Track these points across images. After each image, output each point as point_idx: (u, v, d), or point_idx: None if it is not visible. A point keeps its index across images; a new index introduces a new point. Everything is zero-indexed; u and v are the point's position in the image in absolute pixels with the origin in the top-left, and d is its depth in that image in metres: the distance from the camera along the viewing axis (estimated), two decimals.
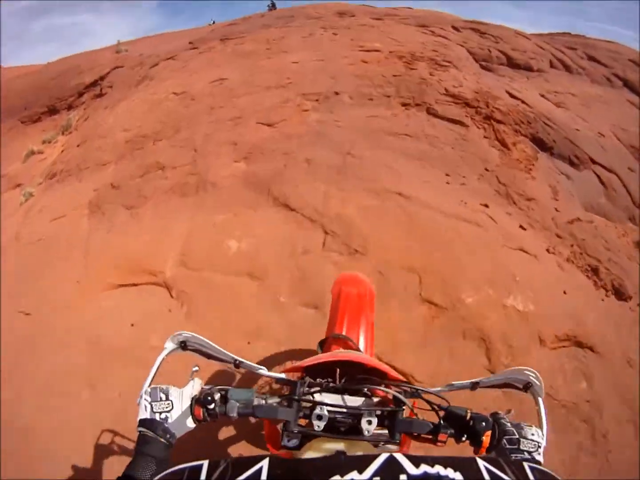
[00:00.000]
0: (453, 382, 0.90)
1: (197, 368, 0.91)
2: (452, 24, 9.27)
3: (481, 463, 0.51)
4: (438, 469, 0.48)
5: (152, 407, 0.80)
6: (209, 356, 0.94)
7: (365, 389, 0.84)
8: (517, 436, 0.79)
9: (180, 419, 0.81)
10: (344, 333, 1.36)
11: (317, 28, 8.61)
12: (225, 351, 0.90)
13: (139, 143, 4.81)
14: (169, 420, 0.80)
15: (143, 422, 0.79)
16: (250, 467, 0.51)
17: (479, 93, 4.92)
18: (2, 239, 4.16)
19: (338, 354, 1.03)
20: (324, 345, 1.37)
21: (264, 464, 0.51)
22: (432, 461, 0.49)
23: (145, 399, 0.81)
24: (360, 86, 5.11)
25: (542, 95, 6.49)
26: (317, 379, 0.87)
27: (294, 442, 0.81)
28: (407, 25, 8.89)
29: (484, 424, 0.78)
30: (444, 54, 5.99)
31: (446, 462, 0.49)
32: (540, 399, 0.87)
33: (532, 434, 0.80)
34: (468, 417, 0.79)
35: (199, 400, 0.80)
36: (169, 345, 0.92)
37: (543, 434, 0.82)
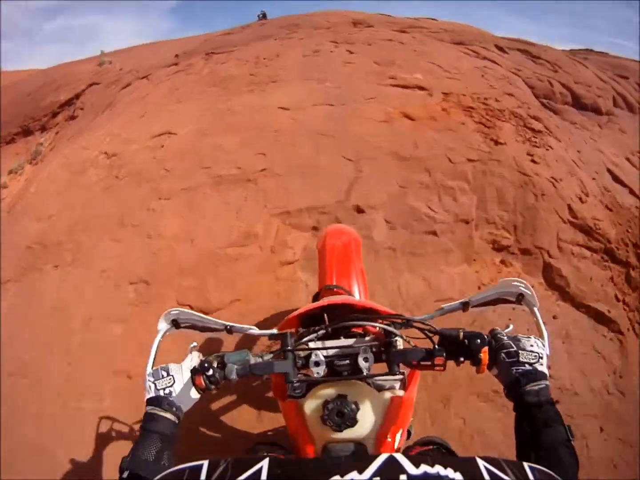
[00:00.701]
0: (443, 306, 0.83)
1: (195, 344, 0.87)
2: (494, 42, 6.95)
3: (481, 463, 0.47)
4: (438, 469, 0.45)
5: (155, 386, 0.76)
6: (202, 329, 0.91)
7: (357, 328, 0.82)
8: (515, 348, 0.72)
9: (184, 392, 0.77)
10: (334, 283, 1.24)
11: (325, 42, 6.15)
12: (215, 319, 0.87)
13: (38, 258, 2.74)
14: (173, 394, 0.76)
15: (150, 401, 0.75)
16: (250, 468, 0.48)
17: (614, 211, 2.50)
18: None
19: (325, 300, 0.97)
20: (317, 299, 1.24)
21: (264, 464, 0.48)
22: (432, 461, 0.46)
23: (149, 380, 0.77)
24: (408, 188, 2.54)
25: (628, 159, 4.28)
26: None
27: (298, 391, 0.83)
28: (441, 42, 6.44)
29: (478, 340, 0.70)
30: (526, 103, 3.53)
31: (446, 462, 0.46)
32: (535, 309, 0.80)
33: (532, 345, 0.73)
34: (462, 337, 0.71)
35: (198, 369, 0.75)
36: (162, 326, 0.88)
37: (544, 344, 0.74)
